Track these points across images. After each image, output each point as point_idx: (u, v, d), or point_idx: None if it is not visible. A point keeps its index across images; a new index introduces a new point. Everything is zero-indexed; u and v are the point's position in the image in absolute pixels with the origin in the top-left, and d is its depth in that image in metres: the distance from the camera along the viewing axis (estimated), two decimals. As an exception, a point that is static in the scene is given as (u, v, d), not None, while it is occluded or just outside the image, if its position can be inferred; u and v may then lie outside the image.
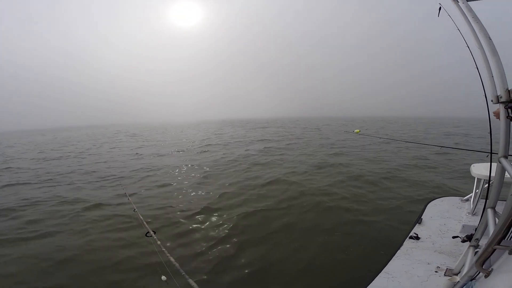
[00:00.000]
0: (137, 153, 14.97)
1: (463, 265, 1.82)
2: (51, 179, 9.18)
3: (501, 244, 1.10)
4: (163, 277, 1.94)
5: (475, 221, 2.73)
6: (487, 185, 2.93)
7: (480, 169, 2.96)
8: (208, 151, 14.85)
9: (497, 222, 1.21)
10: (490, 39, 1.35)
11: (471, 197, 3.22)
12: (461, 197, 3.56)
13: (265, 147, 15.04)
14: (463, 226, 2.68)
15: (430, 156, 10.64)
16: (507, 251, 1.07)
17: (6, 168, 11.96)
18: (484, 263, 1.13)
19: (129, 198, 3.84)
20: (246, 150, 14.09)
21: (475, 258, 1.17)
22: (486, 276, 1.08)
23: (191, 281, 1.66)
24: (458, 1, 1.58)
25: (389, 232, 4.14)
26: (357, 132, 8.30)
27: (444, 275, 1.96)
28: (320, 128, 33.11)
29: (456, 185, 6.68)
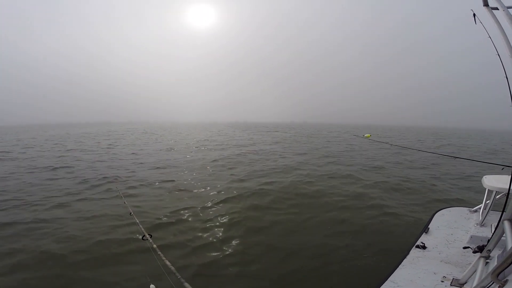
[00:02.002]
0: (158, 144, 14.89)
1: (471, 275, 1.76)
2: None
3: None
4: (152, 286, 1.84)
5: (483, 232, 2.68)
6: (498, 196, 2.89)
7: (492, 181, 2.92)
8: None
9: None
10: None
11: (479, 208, 3.18)
12: (469, 208, 3.51)
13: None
14: (471, 236, 2.63)
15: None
16: None
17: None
18: (499, 275, 1.12)
19: (125, 202, 3.76)
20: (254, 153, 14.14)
21: (490, 269, 1.14)
22: (500, 287, 1.08)
23: (187, 285, 1.61)
24: (498, 8, 1.54)
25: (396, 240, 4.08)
26: (367, 137, 8.16)
27: (451, 285, 1.90)
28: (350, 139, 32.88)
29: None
